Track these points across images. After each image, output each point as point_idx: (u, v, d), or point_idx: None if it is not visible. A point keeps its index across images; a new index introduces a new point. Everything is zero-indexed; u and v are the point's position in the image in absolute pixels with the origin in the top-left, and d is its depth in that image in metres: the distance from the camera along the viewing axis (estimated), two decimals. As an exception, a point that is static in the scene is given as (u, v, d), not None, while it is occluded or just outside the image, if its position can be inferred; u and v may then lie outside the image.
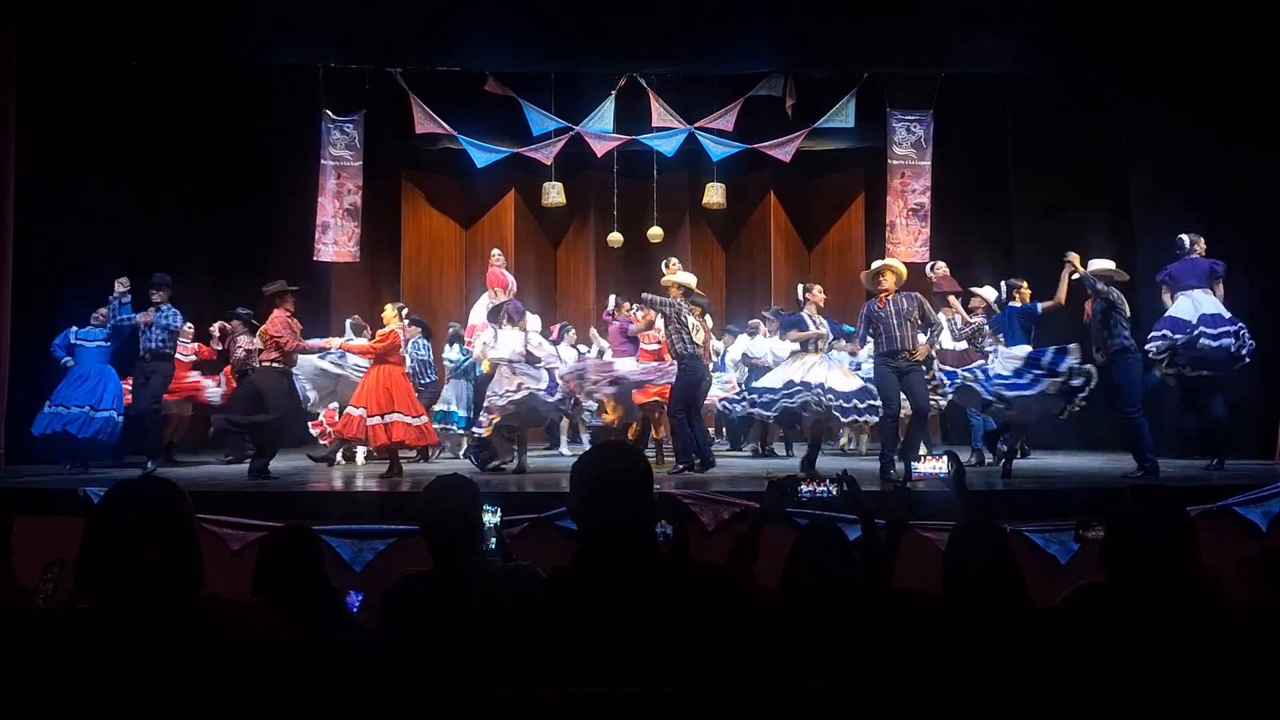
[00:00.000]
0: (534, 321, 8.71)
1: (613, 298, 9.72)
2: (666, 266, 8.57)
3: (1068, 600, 2.42)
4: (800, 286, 8.26)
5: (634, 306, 9.27)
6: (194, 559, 1.95)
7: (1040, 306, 7.52)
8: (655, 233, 11.45)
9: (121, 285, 8.12)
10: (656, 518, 2.32)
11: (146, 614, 1.83)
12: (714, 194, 11.27)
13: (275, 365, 7.49)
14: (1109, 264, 7.35)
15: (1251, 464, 7.87)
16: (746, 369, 9.89)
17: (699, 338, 7.79)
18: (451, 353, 9.68)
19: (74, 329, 8.32)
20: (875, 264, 7.48)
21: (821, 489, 3.49)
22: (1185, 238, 7.62)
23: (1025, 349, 7.36)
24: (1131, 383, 7.00)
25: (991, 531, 2.81)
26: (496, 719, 1.74)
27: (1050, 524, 5.71)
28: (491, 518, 3.40)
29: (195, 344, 9.45)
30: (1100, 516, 3.16)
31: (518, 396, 7.70)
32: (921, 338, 7.22)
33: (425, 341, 9.71)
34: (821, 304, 8.09)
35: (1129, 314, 7.17)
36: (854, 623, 2.48)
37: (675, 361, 7.78)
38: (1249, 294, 7.97)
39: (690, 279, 8.16)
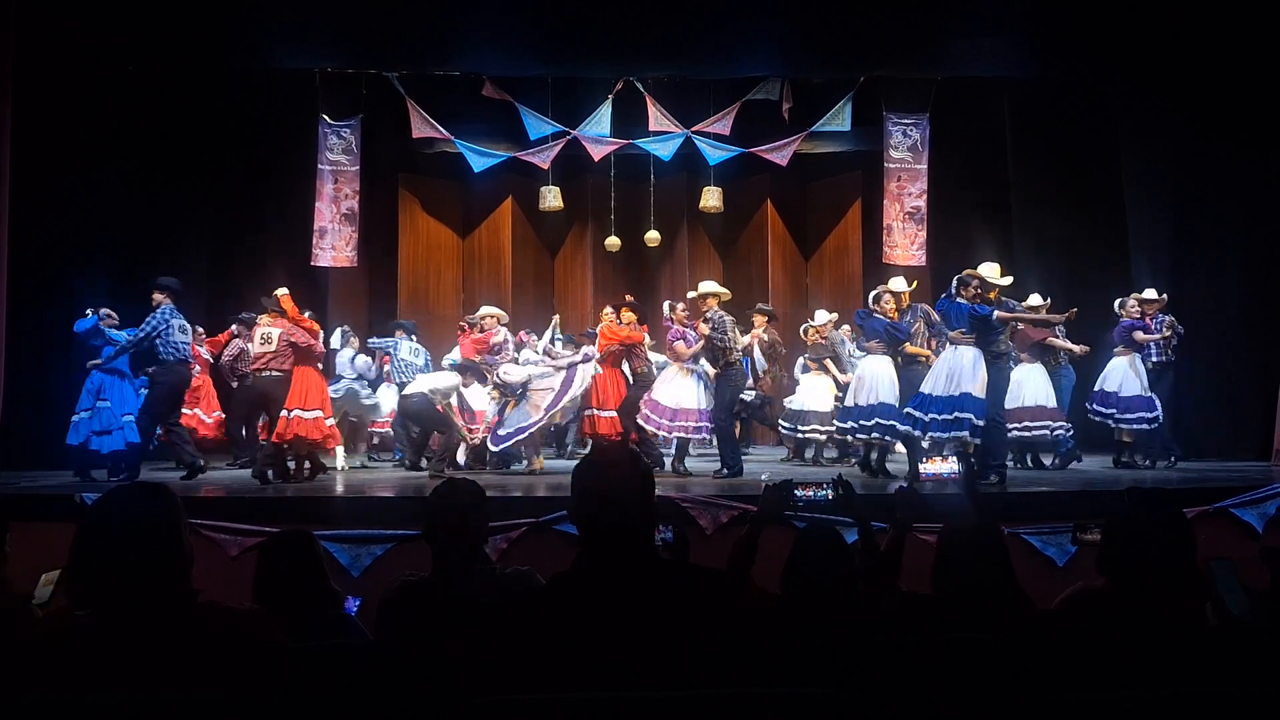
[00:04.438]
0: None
1: (666, 304, 9.07)
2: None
3: (1066, 602, 2.42)
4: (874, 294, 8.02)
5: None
6: (187, 564, 1.94)
7: (996, 314, 7.08)
8: (653, 237, 11.45)
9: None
10: (656, 521, 2.32)
11: (143, 619, 1.83)
12: (711, 198, 11.25)
13: None
14: (995, 267, 7.48)
15: (1248, 465, 7.87)
16: None
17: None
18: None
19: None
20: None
21: (816, 493, 3.50)
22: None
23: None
24: (998, 391, 7.07)
25: (985, 531, 2.81)
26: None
27: (1047, 526, 5.72)
28: None
29: None
30: (1097, 519, 3.16)
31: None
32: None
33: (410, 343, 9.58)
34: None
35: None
36: (854, 624, 2.48)
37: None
38: (1245, 295, 7.99)
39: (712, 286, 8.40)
